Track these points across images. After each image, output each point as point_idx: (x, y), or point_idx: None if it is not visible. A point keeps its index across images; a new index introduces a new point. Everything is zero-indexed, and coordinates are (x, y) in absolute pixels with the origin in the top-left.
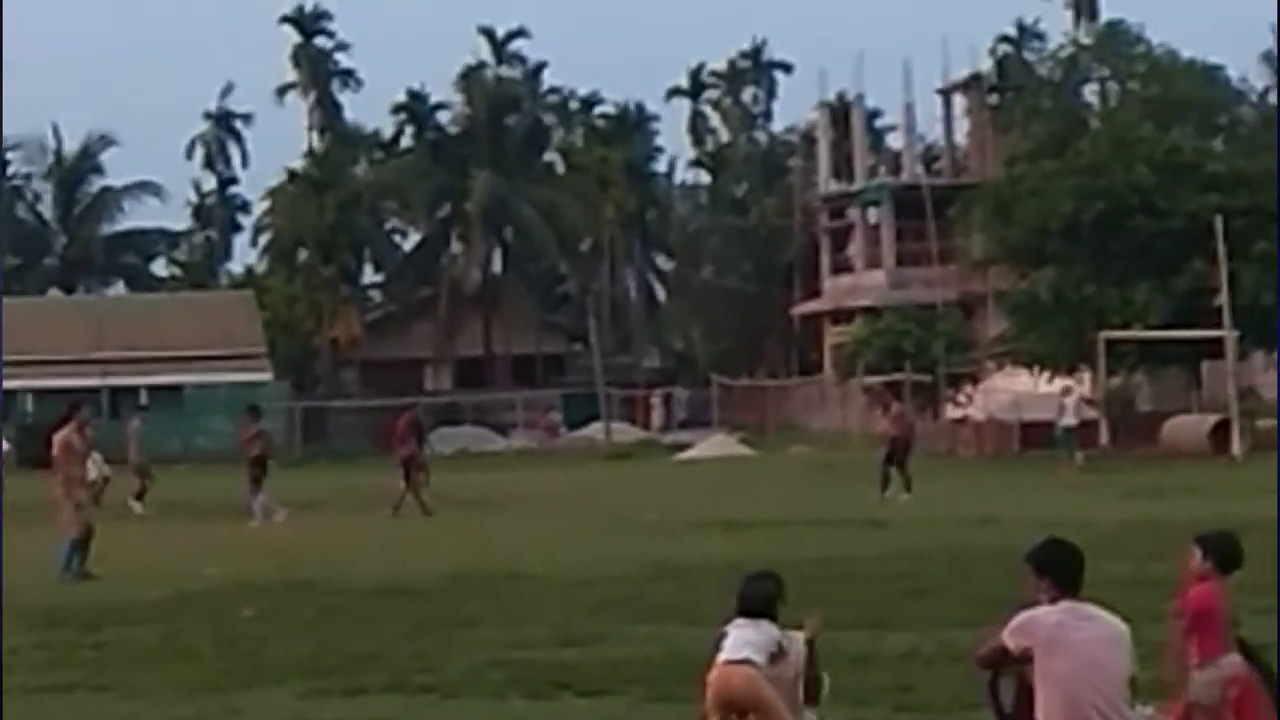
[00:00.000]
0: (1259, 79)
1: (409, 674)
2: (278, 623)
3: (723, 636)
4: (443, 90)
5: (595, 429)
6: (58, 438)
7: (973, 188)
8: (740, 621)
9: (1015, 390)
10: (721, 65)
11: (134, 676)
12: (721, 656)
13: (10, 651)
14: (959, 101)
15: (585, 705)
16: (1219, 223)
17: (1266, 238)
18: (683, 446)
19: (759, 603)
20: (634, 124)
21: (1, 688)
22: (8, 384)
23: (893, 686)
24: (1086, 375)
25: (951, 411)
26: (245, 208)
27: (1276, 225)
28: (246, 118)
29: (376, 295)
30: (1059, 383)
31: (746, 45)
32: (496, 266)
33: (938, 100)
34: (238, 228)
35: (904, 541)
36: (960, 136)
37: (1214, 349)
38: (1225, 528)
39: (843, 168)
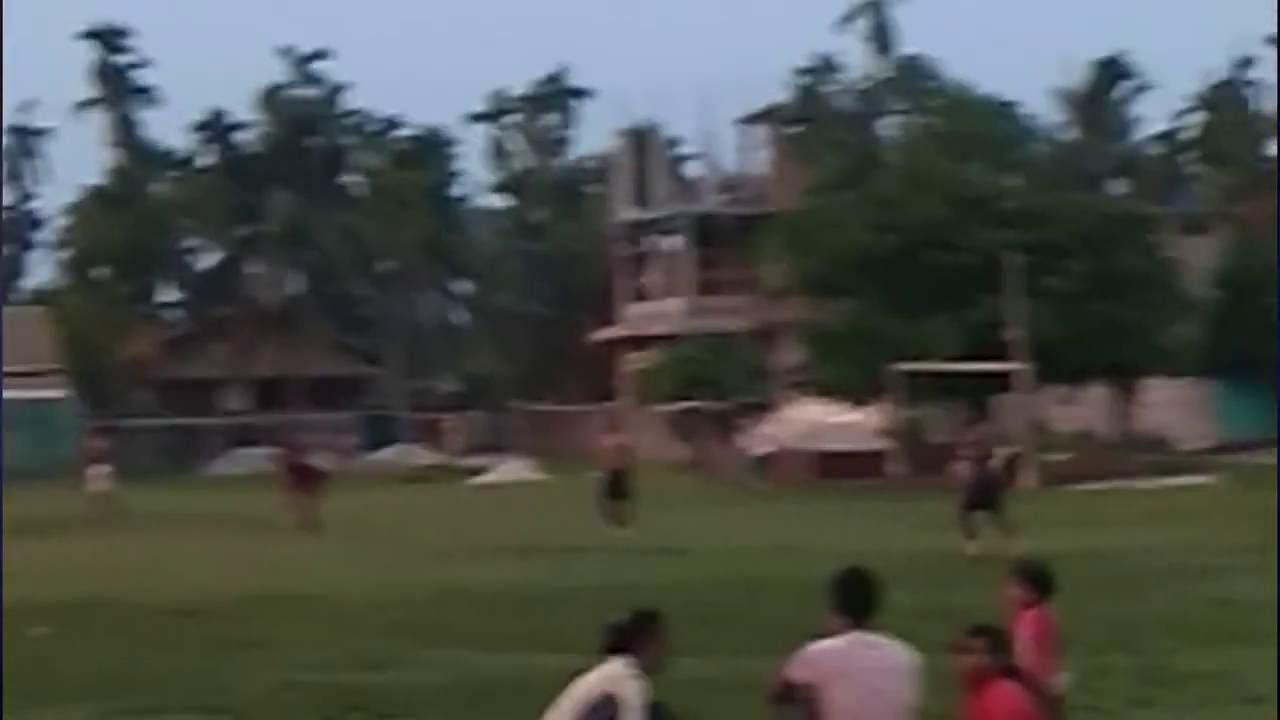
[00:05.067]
0: (1050, 115)
1: (204, 695)
2: (70, 642)
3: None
4: (244, 110)
5: (392, 452)
6: None
7: (770, 217)
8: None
9: (810, 420)
10: (522, 90)
11: None
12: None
13: None
14: (758, 132)
15: None
16: (1011, 258)
17: (1056, 273)
18: (479, 471)
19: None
20: (434, 147)
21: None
22: None
23: (685, 714)
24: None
25: (748, 439)
26: (38, 225)
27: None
28: (45, 133)
29: (174, 314)
30: (854, 413)
31: (547, 71)
32: (295, 288)
33: (737, 130)
34: (28, 245)
35: (699, 569)
36: (759, 167)
37: (1005, 383)
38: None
39: (641, 195)
